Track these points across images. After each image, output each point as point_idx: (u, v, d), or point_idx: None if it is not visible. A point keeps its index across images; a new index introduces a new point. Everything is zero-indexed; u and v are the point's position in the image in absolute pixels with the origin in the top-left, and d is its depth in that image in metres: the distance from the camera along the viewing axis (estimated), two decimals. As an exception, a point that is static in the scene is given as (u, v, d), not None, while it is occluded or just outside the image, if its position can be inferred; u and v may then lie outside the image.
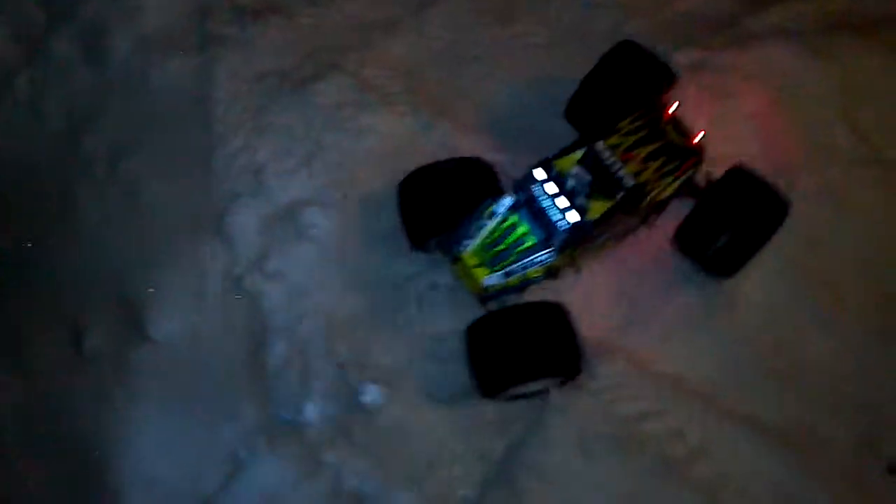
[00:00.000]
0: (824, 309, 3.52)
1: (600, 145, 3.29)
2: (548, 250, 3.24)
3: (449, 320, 3.48)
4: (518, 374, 3.17)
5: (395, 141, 3.87)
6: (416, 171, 3.51)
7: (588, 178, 3.24)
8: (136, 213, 3.89)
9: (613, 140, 3.32)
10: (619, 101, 3.45)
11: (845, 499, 3.23)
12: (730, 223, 3.34)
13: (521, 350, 3.16)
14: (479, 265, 3.24)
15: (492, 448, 3.34)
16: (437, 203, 3.42)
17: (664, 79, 3.61)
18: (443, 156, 3.77)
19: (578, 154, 3.29)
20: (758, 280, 3.53)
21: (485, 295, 3.32)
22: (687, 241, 3.48)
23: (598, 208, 3.21)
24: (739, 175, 3.39)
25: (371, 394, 3.39)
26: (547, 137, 3.73)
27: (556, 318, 3.24)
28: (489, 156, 3.69)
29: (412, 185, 3.51)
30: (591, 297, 3.52)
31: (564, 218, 3.19)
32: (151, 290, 3.67)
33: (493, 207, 3.28)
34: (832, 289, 3.55)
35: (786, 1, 4.15)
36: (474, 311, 3.34)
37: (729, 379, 3.39)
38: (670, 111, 3.39)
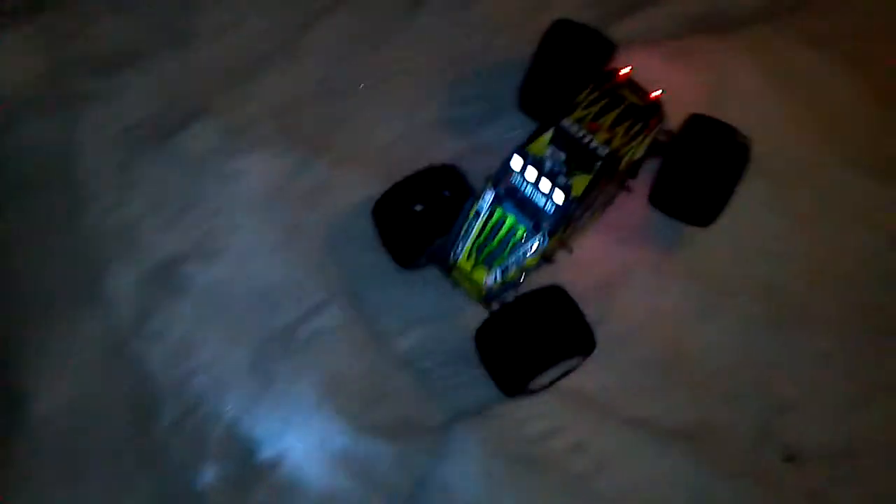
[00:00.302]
0: (708, 301, 3.57)
1: (567, 122, 3.30)
2: (540, 236, 3.22)
3: (343, 359, 3.43)
4: (535, 366, 3.19)
5: (272, 183, 3.79)
6: (386, 194, 3.47)
7: (563, 155, 3.23)
8: (6, 284, 3.70)
9: (577, 114, 3.33)
10: (568, 78, 3.51)
11: (749, 491, 3.28)
12: (699, 170, 3.43)
13: (532, 342, 3.18)
14: (476, 267, 3.22)
15: (399, 485, 3.29)
16: (414, 219, 3.39)
17: (605, 49, 3.68)
18: (322, 194, 3.73)
19: (548, 135, 3.28)
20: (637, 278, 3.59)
21: (488, 296, 3.28)
22: (663, 199, 3.56)
23: (579, 183, 3.20)
24: (698, 122, 3.49)
25: (267, 449, 3.31)
26: (435, 156, 3.74)
27: (557, 300, 3.25)
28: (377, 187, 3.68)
29: (384, 209, 3.48)
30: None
31: (551, 200, 3.18)
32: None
33: (476, 206, 3.25)
34: (715, 280, 3.62)
35: (647, 8, 4.20)
36: (360, 351, 3.31)
37: (622, 385, 3.41)
38: (623, 74, 3.47)
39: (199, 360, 3.46)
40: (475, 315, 3.37)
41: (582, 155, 3.25)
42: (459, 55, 4.10)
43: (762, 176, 3.62)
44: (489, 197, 3.25)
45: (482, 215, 3.24)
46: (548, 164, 3.22)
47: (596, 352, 3.32)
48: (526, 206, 3.23)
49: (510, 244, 3.22)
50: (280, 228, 3.72)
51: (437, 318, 3.50)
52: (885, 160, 3.86)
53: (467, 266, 3.22)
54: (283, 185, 3.78)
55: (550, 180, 3.19)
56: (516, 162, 3.23)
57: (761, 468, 3.32)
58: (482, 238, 3.24)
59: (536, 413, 3.32)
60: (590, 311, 3.26)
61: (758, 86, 3.97)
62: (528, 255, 3.22)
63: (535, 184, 3.21)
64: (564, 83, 3.50)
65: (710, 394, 3.42)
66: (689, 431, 3.35)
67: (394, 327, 3.49)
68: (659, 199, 3.58)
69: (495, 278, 3.22)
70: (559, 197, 3.18)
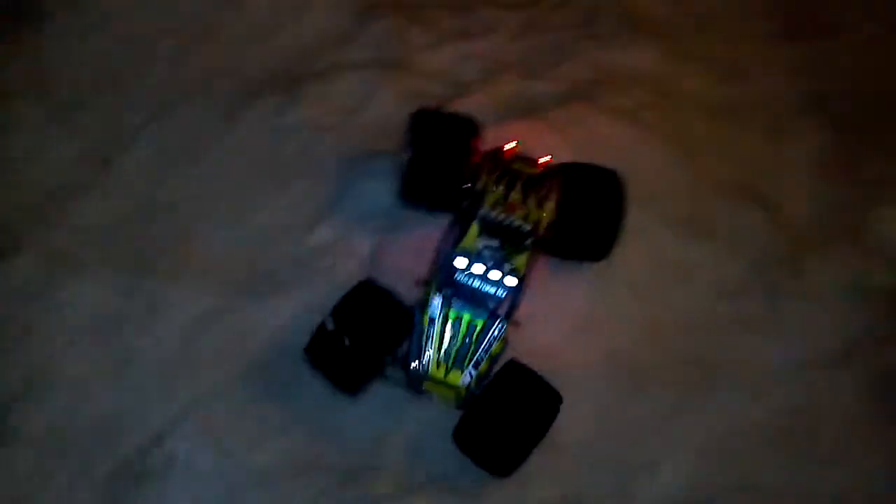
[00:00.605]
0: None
1: (485, 211, 3.49)
2: (499, 322, 3.31)
3: (197, 482, 3.34)
4: (526, 447, 3.24)
5: (101, 308, 3.69)
6: (319, 330, 3.37)
7: (496, 243, 3.41)
8: None
9: (490, 200, 3.52)
10: (448, 163, 3.72)
11: None
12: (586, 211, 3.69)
13: (516, 426, 3.21)
14: (450, 371, 3.25)
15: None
16: (353, 349, 3.33)
17: (472, 128, 3.86)
18: (156, 314, 3.67)
19: (474, 229, 3.45)
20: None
21: (467, 396, 3.28)
22: (558, 245, 3.73)
23: (521, 263, 3.38)
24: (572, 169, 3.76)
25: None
26: (269, 267, 3.84)
27: (516, 374, 3.30)
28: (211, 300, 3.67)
29: (320, 344, 3.38)
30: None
31: (502, 285, 3.33)
32: None
33: (428, 314, 3.31)
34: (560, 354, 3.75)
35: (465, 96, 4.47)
36: (214, 471, 3.30)
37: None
38: (509, 150, 3.73)
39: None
40: (325, 420, 3.46)
41: (513, 237, 3.44)
42: (282, 160, 4.17)
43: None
44: (437, 301, 3.33)
45: (437, 321, 3.31)
46: (487, 255, 3.39)
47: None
48: (475, 299, 3.35)
49: (474, 339, 3.30)
50: (115, 354, 3.61)
51: (289, 427, 3.48)
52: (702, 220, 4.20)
53: (440, 373, 3.26)
54: (113, 309, 3.69)
55: (499, 269, 3.35)
56: (461, 261, 3.35)
57: None
58: (446, 342, 3.30)
59: None
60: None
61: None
62: (494, 343, 3.31)
63: (484, 276, 3.35)
64: (445, 168, 3.71)
65: (572, 465, 3.49)
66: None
67: (246, 442, 3.45)
68: (555, 246, 3.75)
69: (470, 376, 3.27)
70: (511, 281, 3.35)
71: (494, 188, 3.58)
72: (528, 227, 3.47)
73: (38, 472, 3.34)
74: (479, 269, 3.36)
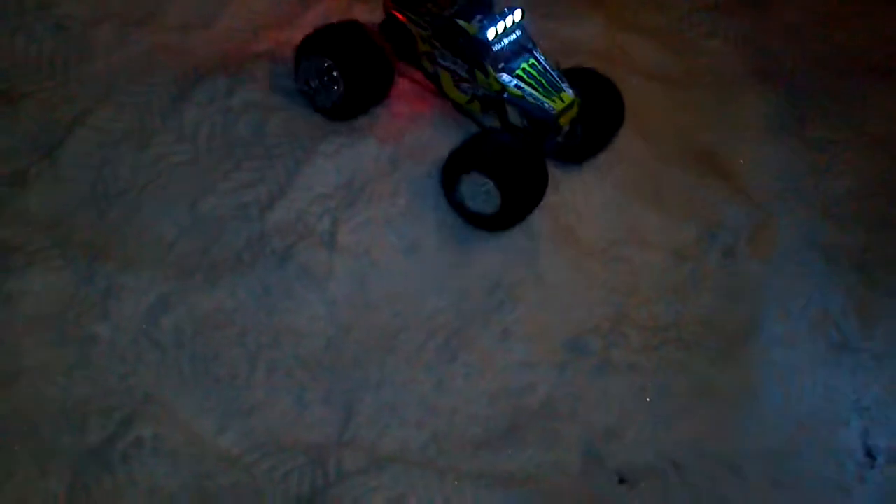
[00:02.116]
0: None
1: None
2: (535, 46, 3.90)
3: (164, 468, 3.32)
4: None
5: (56, 298, 3.63)
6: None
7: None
8: None
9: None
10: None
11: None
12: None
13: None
14: (561, 98, 3.79)
15: None
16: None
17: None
18: (112, 301, 3.63)
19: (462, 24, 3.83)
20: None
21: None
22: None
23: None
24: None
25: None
26: (224, 248, 3.82)
27: None
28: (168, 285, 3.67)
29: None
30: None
31: (516, 23, 3.84)
32: None
33: (511, 88, 3.80)
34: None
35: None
36: (181, 457, 3.32)
37: (444, 439, 3.54)
38: None
39: (7, 501, 3.22)
40: (290, 405, 3.50)
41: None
42: (232, 141, 4.12)
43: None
44: (505, 77, 3.78)
45: (521, 83, 3.77)
46: (489, 20, 3.79)
47: (415, 407, 3.56)
48: (516, 50, 3.85)
49: (543, 69, 3.82)
50: (74, 344, 3.56)
51: (252, 411, 3.49)
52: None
53: (561, 104, 3.74)
54: (68, 298, 3.64)
55: (502, 18, 3.76)
56: (491, 33, 3.75)
57: (599, 494, 3.51)
58: (540, 87, 3.75)
59: (372, 486, 3.35)
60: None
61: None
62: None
63: (505, 33, 3.80)
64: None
65: (532, 435, 3.57)
66: (522, 475, 3.48)
67: (212, 426, 3.45)
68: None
69: (570, 88, 3.81)
70: (517, 14, 3.81)
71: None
72: None
73: (4, 460, 3.29)
74: (500, 28, 3.76)
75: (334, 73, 3.95)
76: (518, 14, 3.78)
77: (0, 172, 3.97)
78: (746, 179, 4.44)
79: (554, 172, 3.94)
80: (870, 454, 3.68)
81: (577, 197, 4.12)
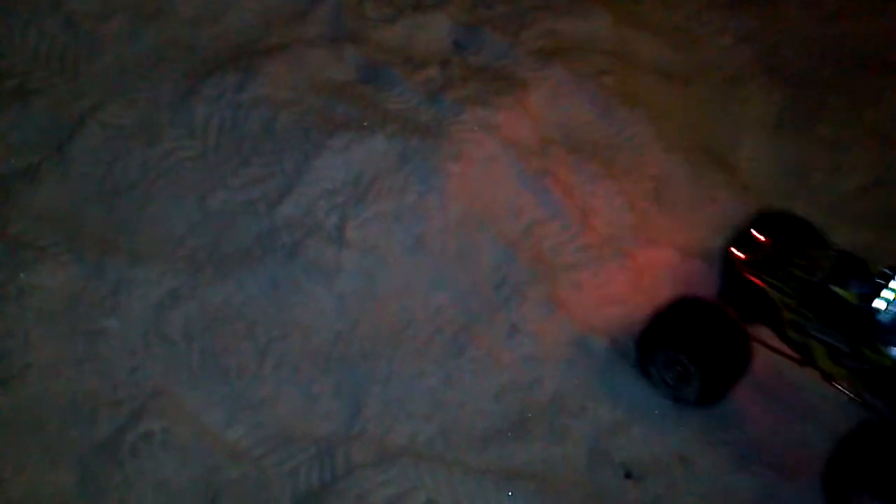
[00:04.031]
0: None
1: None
2: None
3: (174, 461, 3.31)
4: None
5: (66, 292, 3.65)
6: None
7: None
8: None
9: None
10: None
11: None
12: None
13: None
14: None
15: None
16: None
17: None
18: (122, 295, 3.64)
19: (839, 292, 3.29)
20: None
21: None
22: None
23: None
24: None
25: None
26: (234, 243, 3.82)
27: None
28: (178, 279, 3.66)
29: None
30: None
31: None
32: None
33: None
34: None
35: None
36: (191, 450, 3.31)
37: (452, 433, 3.52)
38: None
39: (17, 493, 3.24)
40: (298, 398, 3.50)
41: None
42: (241, 136, 4.13)
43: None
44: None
45: None
46: (872, 286, 3.21)
47: (423, 401, 3.56)
48: None
49: None
50: (83, 337, 3.57)
51: (261, 404, 3.50)
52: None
53: None
54: (78, 291, 3.65)
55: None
56: (879, 303, 3.16)
57: (604, 489, 3.45)
58: None
59: (380, 481, 3.33)
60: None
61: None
62: None
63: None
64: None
65: (540, 430, 3.53)
66: (529, 469, 3.44)
67: (220, 419, 3.46)
68: None
69: None
70: None
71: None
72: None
73: (14, 453, 3.30)
74: (890, 297, 3.17)
75: (690, 369, 3.44)
76: None
77: (11, 167, 4.00)
78: (752, 176, 4.42)
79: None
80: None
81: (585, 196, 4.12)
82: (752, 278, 3.46)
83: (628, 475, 3.47)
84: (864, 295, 3.17)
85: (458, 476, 3.40)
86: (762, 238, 3.55)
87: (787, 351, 3.48)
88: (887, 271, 3.17)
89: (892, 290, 3.15)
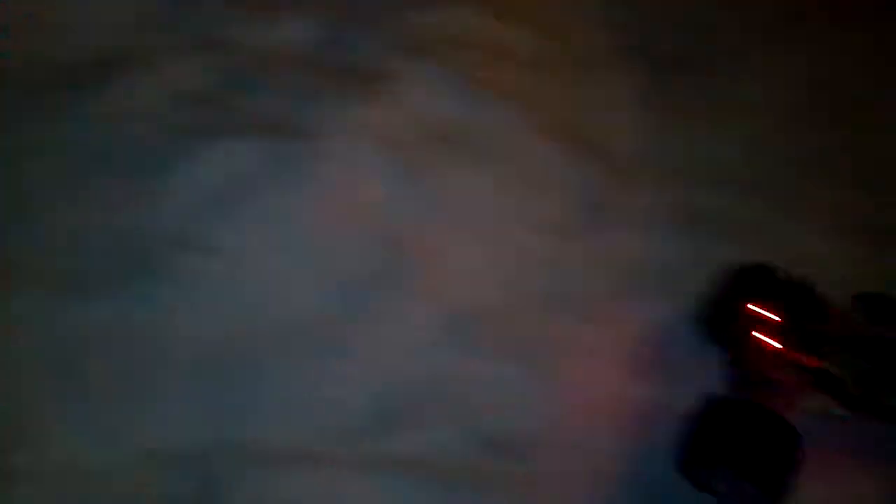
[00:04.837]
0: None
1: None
2: None
3: None
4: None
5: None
6: None
7: None
8: None
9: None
10: None
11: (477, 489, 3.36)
12: None
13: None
14: None
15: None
16: None
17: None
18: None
19: None
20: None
21: None
22: None
23: None
24: None
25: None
26: (97, 260, 3.71)
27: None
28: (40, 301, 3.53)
29: None
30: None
31: None
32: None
33: None
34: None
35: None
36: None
37: (334, 431, 3.43)
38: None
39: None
40: (174, 413, 3.39)
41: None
42: (95, 153, 3.97)
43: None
44: None
45: None
46: None
47: (303, 403, 3.48)
48: None
49: None
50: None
51: (134, 422, 3.36)
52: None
53: None
54: None
55: None
56: None
57: (489, 471, 3.38)
58: None
59: (265, 487, 3.24)
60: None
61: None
62: None
63: None
64: None
65: (422, 418, 3.47)
66: (414, 459, 3.36)
67: (90, 443, 3.27)
68: None
69: None
70: None
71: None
72: None
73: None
74: None
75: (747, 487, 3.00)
76: None
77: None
78: (628, 158, 4.48)
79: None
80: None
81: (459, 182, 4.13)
82: (805, 360, 3.13)
83: (509, 457, 3.40)
84: None
85: (343, 474, 3.32)
86: (768, 310, 3.21)
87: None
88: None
89: None
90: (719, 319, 3.35)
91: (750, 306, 3.19)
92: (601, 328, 3.77)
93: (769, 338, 3.07)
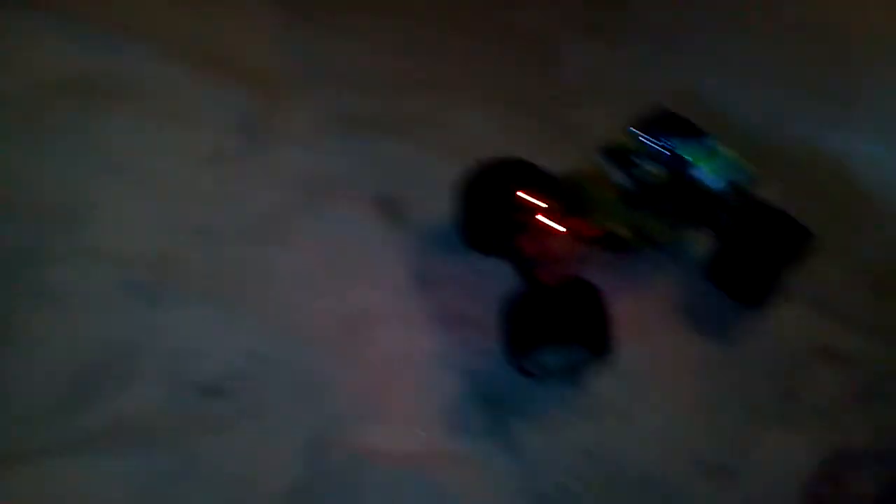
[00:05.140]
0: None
1: None
2: None
3: None
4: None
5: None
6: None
7: None
8: None
9: None
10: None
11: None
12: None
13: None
14: None
15: None
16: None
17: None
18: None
19: None
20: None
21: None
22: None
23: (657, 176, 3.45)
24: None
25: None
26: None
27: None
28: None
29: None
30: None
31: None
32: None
33: None
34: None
35: None
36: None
37: (16, 420, 3.03)
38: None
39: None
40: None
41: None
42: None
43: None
44: None
45: None
46: None
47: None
48: None
49: None
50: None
51: None
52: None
53: None
54: None
55: None
56: None
57: (194, 416, 3.19)
58: None
59: None
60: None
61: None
62: None
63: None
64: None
65: (114, 381, 3.19)
66: (115, 425, 3.06)
67: None
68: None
69: None
70: None
71: None
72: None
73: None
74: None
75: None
76: None
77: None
78: (262, 73, 4.49)
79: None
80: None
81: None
82: (588, 231, 3.40)
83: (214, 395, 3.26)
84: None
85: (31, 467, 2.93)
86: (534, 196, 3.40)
87: None
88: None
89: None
90: (485, 221, 3.50)
91: (522, 195, 3.35)
92: (292, 249, 3.73)
93: (551, 221, 3.24)
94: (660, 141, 3.47)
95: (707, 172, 3.43)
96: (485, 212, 3.44)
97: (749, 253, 3.38)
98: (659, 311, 3.73)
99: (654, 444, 3.15)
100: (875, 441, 3.13)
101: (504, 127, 4.40)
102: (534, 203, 3.29)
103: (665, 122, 3.55)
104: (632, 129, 3.51)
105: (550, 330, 3.04)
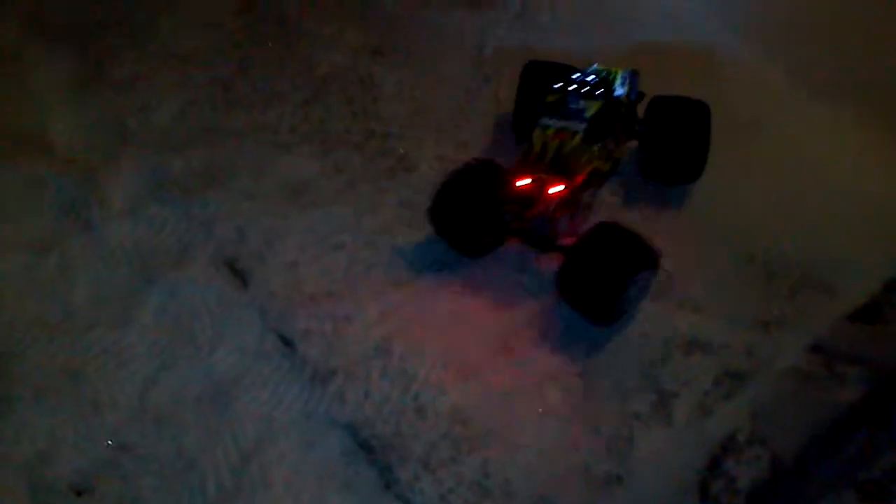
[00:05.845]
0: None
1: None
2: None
3: None
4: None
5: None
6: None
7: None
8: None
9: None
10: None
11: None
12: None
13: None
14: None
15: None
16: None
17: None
18: None
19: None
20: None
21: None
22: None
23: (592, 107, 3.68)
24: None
25: None
26: None
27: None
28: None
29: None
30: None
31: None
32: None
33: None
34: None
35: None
36: None
37: None
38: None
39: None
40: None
41: (589, 94, 3.76)
42: None
43: None
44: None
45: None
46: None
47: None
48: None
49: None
50: None
51: None
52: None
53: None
54: None
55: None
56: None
57: None
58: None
59: None
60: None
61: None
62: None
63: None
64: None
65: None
66: None
67: None
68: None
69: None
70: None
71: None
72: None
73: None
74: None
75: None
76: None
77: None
78: (70, 145, 4.35)
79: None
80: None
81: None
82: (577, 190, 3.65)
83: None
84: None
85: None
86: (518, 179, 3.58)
87: None
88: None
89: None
90: (479, 226, 3.70)
91: (519, 183, 3.58)
92: (136, 326, 3.60)
93: (551, 197, 3.53)
94: (579, 77, 3.85)
95: (619, 87, 3.83)
96: (477, 216, 3.65)
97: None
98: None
99: (540, 466, 3.15)
100: (752, 424, 3.23)
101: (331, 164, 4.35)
102: (525, 185, 3.54)
103: (555, 70, 4.03)
104: (554, 85, 3.83)
105: (616, 276, 3.31)
